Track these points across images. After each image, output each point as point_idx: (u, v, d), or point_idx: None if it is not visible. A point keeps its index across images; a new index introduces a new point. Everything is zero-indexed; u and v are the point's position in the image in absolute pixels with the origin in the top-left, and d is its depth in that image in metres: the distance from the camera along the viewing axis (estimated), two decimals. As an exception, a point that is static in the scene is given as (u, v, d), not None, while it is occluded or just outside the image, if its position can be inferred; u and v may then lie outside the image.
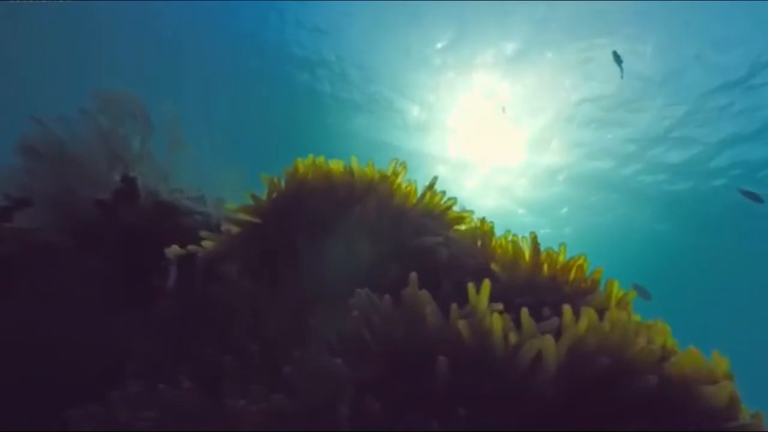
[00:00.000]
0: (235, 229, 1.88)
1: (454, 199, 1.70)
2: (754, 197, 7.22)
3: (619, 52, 6.84)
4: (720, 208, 12.92)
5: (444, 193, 1.71)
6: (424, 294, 1.12)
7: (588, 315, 1.02)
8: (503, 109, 9.57)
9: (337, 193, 1.66)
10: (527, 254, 1.47)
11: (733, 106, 9.62)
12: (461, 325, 1.07)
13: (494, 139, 11.70)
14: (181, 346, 1.48)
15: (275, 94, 11.56)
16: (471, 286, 1.13)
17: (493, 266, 1.45)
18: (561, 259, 1.45)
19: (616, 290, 1.37)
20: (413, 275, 1.17)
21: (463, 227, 1.71)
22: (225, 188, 3.51)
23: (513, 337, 1.04)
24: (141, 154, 2.76)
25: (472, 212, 1.73)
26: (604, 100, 10.14)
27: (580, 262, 1.45)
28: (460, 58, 9.76)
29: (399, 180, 1.68)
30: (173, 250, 1.75)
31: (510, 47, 9.26)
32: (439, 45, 9.67)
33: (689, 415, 0.93)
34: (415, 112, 11.54)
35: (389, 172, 1.68)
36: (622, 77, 6.58)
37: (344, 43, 10.00)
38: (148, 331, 1.64)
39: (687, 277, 16.29)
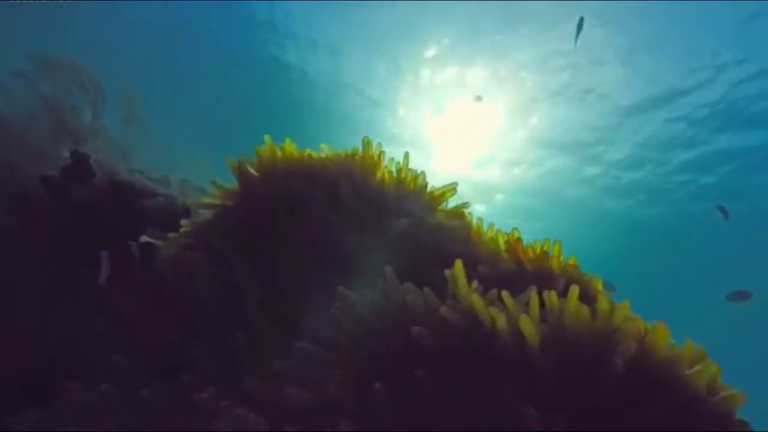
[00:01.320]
0: (207, 215, 1.62)
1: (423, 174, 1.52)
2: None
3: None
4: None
5: (423, 173, 1.53)
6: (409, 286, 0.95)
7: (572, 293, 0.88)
8: (478, 98, 9.38)
9: (314, 176, 1.44)
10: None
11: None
12: (444, 309, 0.92)
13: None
14: (140, 343, 1.23)
15: (241, 71, 11.05)
16: (457, 268, 0.96)
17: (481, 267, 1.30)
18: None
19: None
20: (389, 270, 0.98)
21: (445, 207, 1.53)
22: (191, 170, 3.21)
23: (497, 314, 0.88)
24: (93, 127, 2.44)
25: (455, 185, 1.53)
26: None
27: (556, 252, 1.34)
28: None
29: (376, 160, 1.48)
30: (143, 239, 1.49)
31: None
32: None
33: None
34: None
35: (365, 153, 1.47)
36: (575, 44, 6.61)
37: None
38: (99, 327, 1.38)
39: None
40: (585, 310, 0.88)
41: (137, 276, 1.51)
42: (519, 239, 1.32)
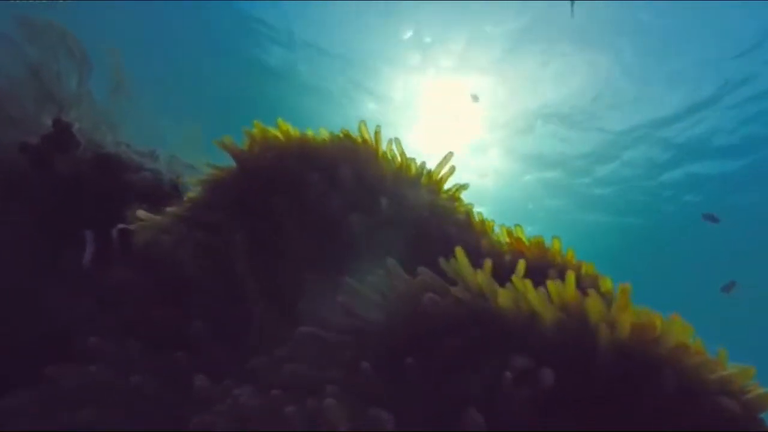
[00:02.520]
0: (200, 193, 1.54)
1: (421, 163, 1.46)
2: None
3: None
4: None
5: (424, 163, 1.47)
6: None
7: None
8: (475, 98, 9.16)
9: (312, 157, 1.37)
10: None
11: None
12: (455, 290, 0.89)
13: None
14: (130, 322, 1.16)
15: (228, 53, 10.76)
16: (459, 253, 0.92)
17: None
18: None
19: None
20: (392, 263, 0.94)
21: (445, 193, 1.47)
22: (180, 146, 3.11)
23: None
24: (78, 95, 2.32)
25: (453, 168, 1.47)
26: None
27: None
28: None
29: (375, 143, 1.41)
30: (140, 214, 1.40)
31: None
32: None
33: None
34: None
35: (363, 135, 1.40)
36: (572, 15, 6.58)
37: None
38: (84, 307, 1.31)
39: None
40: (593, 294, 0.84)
41: (123, 257, 1.43)
42: (522, 232, 1.27)
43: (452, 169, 1.44)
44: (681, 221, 13.20)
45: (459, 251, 0.91)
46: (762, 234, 12.96)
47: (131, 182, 2.24)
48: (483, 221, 1.34)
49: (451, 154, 1.45)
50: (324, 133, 1.39)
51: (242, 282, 1.08)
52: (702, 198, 12.16)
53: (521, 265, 0.93)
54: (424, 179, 1.41)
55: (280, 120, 1.43)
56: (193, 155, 3.03)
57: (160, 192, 2.41)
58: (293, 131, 1.41)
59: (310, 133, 1.37)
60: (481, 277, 0.88)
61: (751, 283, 10.95)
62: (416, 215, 1.27)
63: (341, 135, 1.39)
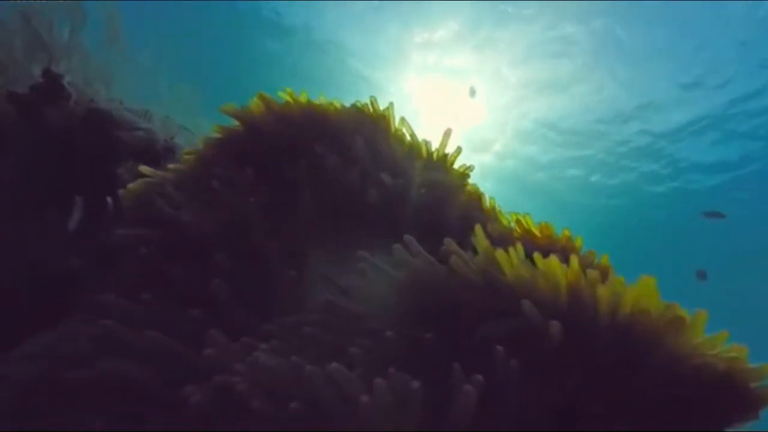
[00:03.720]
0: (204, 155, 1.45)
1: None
2: (717, 215, 7.57)
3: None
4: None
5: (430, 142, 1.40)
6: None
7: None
8: (473, 92, 8.86)
9: (325, 126, 1.29)
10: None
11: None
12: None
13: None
14: (135, 281, 1.09)
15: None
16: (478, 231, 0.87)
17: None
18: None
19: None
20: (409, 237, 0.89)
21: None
22: (175, 107, 3.00)
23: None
24: (70, 47, 2.21)
25: (460, 149, 1.41)
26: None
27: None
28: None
29: (388, 119, 1.34)
30: (144, 170, 1.31)
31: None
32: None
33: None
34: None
35: (376, 110, 1.33)
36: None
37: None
38: (74, 265, 1.24)
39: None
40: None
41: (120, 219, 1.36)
42: (531, 221, 1.23)
43: (459, 150, 1.38)
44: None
45: (479, 229, 0.87)
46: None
47: (123, 141, 2.15)
48: (493, 206, 1.30)
49: (450, 130, 1.39)
50: (337, 103, 1.31)
51: (258, 245, 1.02)
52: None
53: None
54: (434, 158, 1.36)
55: (288, 89, 1.34)
56: (188, 117, 2.93)
57: (153, 152, 2.33)
58: (305, 98, 1.32)
59: (323, 101, 1.29)
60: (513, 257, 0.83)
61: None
62: (426, 194, 1.21)
63: (356, 107, 1.31)
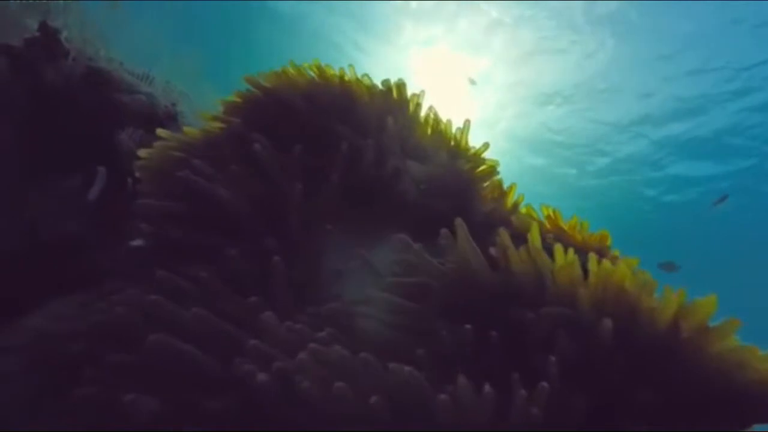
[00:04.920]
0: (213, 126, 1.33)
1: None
2: (722, 199, 7.58)
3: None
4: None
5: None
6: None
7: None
8: (473, 81, 8.61)
9: (352, 107, 1.19)
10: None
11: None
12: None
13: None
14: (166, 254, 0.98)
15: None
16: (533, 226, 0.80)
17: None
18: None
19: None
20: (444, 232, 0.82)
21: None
22: (176, 73, 2.86)
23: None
24: (67, 5, 2.06)
25: (487, 144, 1.32)
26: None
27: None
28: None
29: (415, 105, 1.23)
30: (162, 133, 1.18)
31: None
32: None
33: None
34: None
35: (402, 94, 1.22)
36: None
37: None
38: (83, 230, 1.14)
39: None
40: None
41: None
42: (560, 217, 1.16)
43: (486, 145, 1.28)
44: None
45: (503, 234, 0.80)
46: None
47: (124, 104, 2.02)
48: (513, 196, 1.22)
49: (468, 121, 1.29)
50: (367, 82, 1.19)
51: (294, 223, 0.93)
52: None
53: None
54: (460, 147, 1.27)
55: (316, 60, 1.21)
56: (190, 83, 2.80)
57: (154, 118, 2.21)
58: (335, 73, 1.20)
59: (353, 77, 1.17)
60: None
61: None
62: (452, 186, 1.13)
63: (385, 90, 1.19)
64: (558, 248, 0.74)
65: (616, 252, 1.14)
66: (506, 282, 0.76)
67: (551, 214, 1.09)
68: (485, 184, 1.24)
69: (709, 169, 10.85)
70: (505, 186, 1.29)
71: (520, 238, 0.90)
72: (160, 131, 1.14)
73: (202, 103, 2.81)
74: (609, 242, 1.13)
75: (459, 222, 0.80)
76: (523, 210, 1.26)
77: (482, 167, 1.25)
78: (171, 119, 2.34)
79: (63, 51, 1.78)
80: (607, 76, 9.08)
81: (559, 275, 0.74)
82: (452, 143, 1.22)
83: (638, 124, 10.05)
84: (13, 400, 0.65)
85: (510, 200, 1.25)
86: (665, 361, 0.71)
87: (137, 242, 1.04)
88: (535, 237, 0.78)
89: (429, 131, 1.22)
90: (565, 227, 1.16)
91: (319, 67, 1.10)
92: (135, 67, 2.34)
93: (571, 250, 0.74)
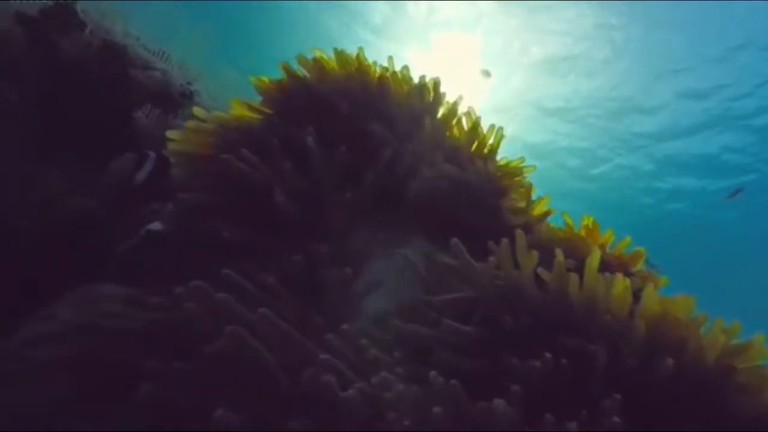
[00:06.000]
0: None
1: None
2: (736, 192, 7.50)
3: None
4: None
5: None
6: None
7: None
8: (486, 73, 8.26)
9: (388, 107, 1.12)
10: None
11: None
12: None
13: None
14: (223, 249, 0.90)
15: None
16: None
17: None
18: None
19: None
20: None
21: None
22: (192, 51, 2.79)
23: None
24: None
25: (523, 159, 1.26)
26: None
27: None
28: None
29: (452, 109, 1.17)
30: (197, 111, 1.10)
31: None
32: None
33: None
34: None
35: (437, 95, 1.15)
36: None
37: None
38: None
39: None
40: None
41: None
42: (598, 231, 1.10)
43: (523, 160, 1.23)
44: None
45: (559, 255, 0.75)
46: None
47: (139, 80, 1.96)
48: (546, 212, 1.17)
49: (502, 128, 1.23)
50: (404, 76, 1.12)
51: (337, 226, 0.87)
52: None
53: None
54: (488, 151, 1.21)
55: (360, 53, 1.13)
56: (206, 61, 2.72)
57: (170, 96, 2.15)
58: (374, 69, 1.13)
59: (390, 70, 1.10)
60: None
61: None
62: (485, 192, 1.07)
63: (421, 87, 1.12)
64: (618, 279, 0.71)
65: (645, 270, 1.09)
66: (558, 305, 0.71)
67: (590, 224, 1.03)
68: (517, 193, 1.19)
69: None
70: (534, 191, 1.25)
71: (544, 248, 0.86)
72: (196, 110, 1.07)
73: (219, 82, 2.73)
74: (642, 260, 1.08)
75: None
76: (564, 217, 1.20)
77: (517, 178, 1.19)
78: (186, 98, 2.28)
79: (78, 23, 1.72)
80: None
81: (616, 304, 0.70)
82: (486, 150, 1.17)
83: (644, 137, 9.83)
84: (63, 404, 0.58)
85: (540, 210, 1.19)
86: (713, 399, 0.68)
87: (155, 226, 0.99)
88: (593, 264, 0.73)
89: (463, 134, 1.16)
90: (601, 240, 1.10)
91: (359, 59, 1.03)
92: (151, 43, 2.27)
93: (628, 281, 0.71)
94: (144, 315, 0.66)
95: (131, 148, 1.35)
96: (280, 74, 1.22)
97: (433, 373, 0.61)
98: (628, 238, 1.13)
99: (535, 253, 0.75)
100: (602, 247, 1.09)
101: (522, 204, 1.18)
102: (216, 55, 3.35)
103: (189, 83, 2.35)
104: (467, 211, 1.03)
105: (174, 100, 2.18)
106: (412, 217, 0.95)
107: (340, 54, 1.02)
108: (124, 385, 0.56)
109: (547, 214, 1.21)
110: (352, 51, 1.08)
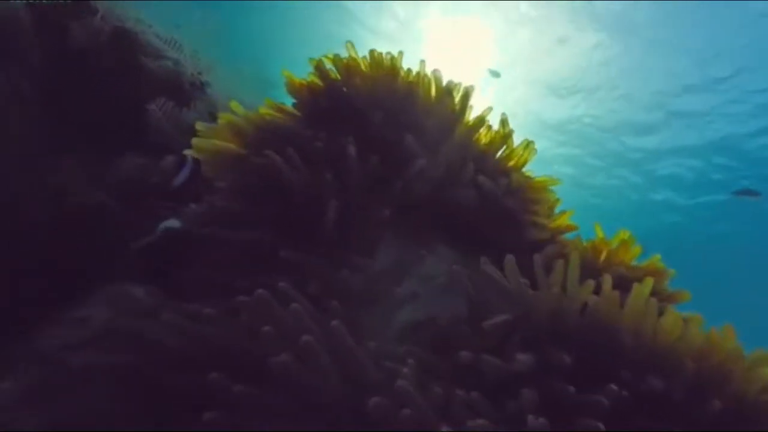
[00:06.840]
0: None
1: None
2: (750, 193, 7.27)
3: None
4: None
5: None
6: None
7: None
8: (495, 74, 8.06)
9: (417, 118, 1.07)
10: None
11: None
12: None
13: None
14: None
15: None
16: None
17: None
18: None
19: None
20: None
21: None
22: (204, 39, 2.72)
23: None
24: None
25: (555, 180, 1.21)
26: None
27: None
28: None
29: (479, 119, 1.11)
30: (233, 106, 1.05)
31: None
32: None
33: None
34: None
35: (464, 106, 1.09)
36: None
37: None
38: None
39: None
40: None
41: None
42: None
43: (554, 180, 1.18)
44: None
45: (607, 281, 0.70)
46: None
47: (150, 69, 1.90)
48: (568, 226, 1.12)
49: (533, 142, 1.17)
50: (435, 79, 1.05)
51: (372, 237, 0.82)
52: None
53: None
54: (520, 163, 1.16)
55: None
56: (219, 51, 2.66)
57: (180, 87, 2.08)
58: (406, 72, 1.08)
59: (422, 74, 1.05)
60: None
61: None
62: (509, 207, 1.02)
63: (449, 92, 1.06)
64: (670, 310, 0.66)
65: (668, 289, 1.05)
66: (602, 331, 0.67)
67: (626, 239, 0.97)
68: (543, 207, 1.14)
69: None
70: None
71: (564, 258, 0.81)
72: (234, 104, 1.01)
73: (230, 74, 2.67)
74: (668, 278, 1.03)
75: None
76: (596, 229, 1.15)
77: (544, 193, 1.15)
78: (198, 89, 2.21)
79: (90, 8, 1.65)
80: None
81: (663, 335, 0.67)
82: (516, 161, 1.11)
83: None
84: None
85: (563, 222, 1.15)
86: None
87: (173, 223, 0.93)
88: (645, 291, 0.68)
89: (492, 143, 1.11)
90: (632, 254, 1.05)
91: (392, 59, 0.97)
92: (163, 31, 2.20)
93: (678, 315, 0.68)
94: (192, 326, 0.61)
95: (143, 141, 1.30)
96: (290, 68, 1.16)
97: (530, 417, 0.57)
98: (658, 256, 1.08)
99: (590, 283, 0.70)
100: (627, 263, 1.05)
101: (547, 219, 1.13)
102: (230, 42, 3.27)
103: (200, 73, 2.29)
104: (494, 223, 0.98)
105: (185, 91, 2.12)
106: (439, 226, 0.90)
107: (373, 55, 0.96)
108: (180, 405, 0.51)
109: (570, 228, 1.16)
110: (382, 52, 1.02)
